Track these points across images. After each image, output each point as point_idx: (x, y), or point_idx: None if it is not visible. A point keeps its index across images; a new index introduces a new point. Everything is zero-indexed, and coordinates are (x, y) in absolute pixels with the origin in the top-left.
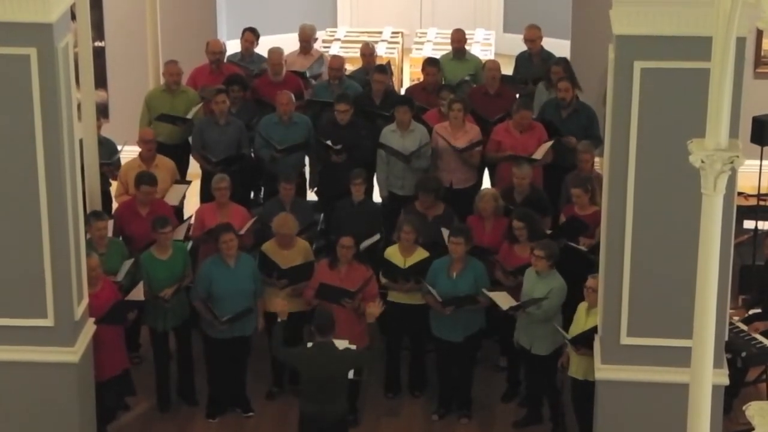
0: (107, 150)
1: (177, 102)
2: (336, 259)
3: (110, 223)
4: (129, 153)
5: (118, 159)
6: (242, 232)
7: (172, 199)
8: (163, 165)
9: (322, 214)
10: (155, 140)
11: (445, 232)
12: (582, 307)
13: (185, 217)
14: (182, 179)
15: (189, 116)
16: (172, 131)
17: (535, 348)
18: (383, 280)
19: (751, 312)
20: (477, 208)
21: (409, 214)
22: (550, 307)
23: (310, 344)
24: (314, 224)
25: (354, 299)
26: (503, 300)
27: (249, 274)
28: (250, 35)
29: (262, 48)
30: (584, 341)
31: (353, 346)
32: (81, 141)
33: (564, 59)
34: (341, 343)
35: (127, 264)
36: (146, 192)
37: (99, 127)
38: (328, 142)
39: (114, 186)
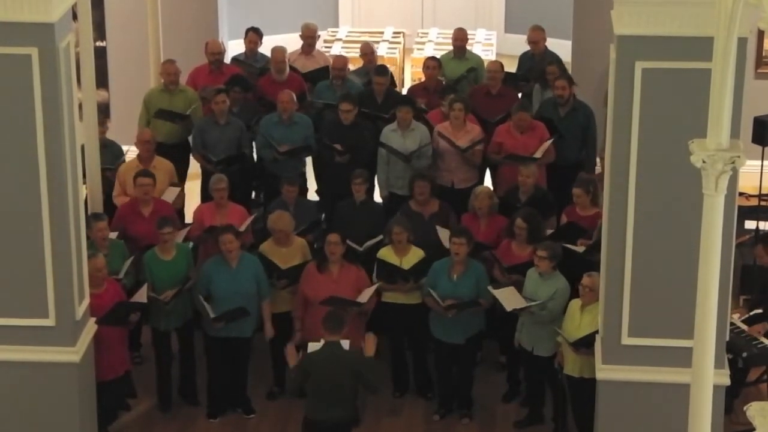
0: (112, 153)
1: (175, 101)
2: (324, 260)
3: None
4: (132, 155)
5: (123, 161)
6: (242, 228)
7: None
8: (161, 166)
9: (323, 215)
10: (154, 141)
11: (441, 232)
12: (576, 304)
13: (186, 218)
14: (180, 180)
15: (187, 112)
16: (171, 130)
17: (537, 349)
18: (376, 281)
19: (752, 313)
20: (472, 206)
21: (404, 213)
22: (556, 309)
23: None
24: (318, 224)
25: (361, 307)
26: (509, 298)
27: (251, 276)
28: (254, 35)
29: (265, 48)
30: (585, 344)
31: (350, 347)
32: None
33: (557, 58)
34: (343, 344)
35: (127, 263)
36: (143, 184)
37: (104, 132)
38: (336, 146)
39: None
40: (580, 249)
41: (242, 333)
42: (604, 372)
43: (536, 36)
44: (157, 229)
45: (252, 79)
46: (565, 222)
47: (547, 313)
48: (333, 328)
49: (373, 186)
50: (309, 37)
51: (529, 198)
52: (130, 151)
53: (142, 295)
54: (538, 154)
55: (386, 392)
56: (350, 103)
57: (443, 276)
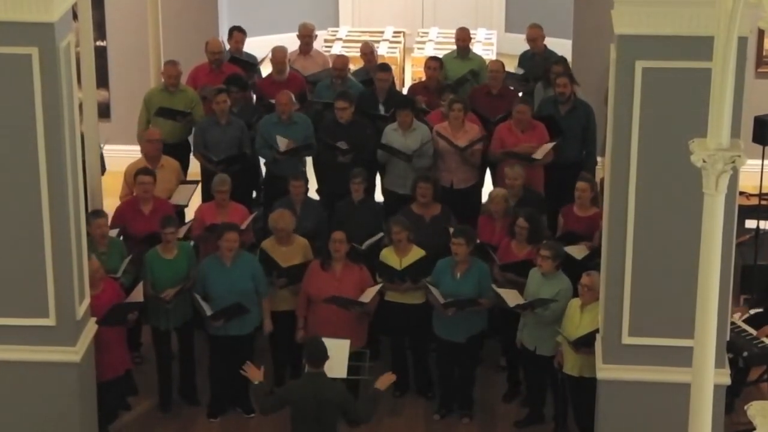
0: None
1: (176, 101)
2: (328, 258)
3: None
4: (116, 152)
5: (101, 155)
6: (243, 226)
7: (179, 200)
8: (169, 165)
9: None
10: (161, 139)
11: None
12: (575, 303)
13: (186, 217)
14: (187, 179)
15: (188, 110)
16: (171, 130)
17: (539, 349)
18: (379, 281)
19: (752, 312)
20: (488, 209)
21: (405, 215)
22: (559, 308)
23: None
24: (323, 227)
25: (363, 307)
26: (511, 297)
27: (247, 274)
28: (239, 35)
29: (266, 48)
30: (586, 343)
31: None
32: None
33: (563, 58)
34: (342, 345)
35: (126, 261)
36: (143, 182)
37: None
38: (339, 144)
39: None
40: (579, 256)
41: (242, 330)
42: (605, 371)
43: (534, 34)
44: (160, 229)
45: (250, 77)
46: (561, 233)
47: (549, 312)
48: (316, 361)
49: (373, 185)
50: (306, 36)
51: (519, 201)
52: (110, 149)
53: (137, 294)
54: (537, 155)
55: (386, 392)
56: (345, 101)
57: (447, 274)
